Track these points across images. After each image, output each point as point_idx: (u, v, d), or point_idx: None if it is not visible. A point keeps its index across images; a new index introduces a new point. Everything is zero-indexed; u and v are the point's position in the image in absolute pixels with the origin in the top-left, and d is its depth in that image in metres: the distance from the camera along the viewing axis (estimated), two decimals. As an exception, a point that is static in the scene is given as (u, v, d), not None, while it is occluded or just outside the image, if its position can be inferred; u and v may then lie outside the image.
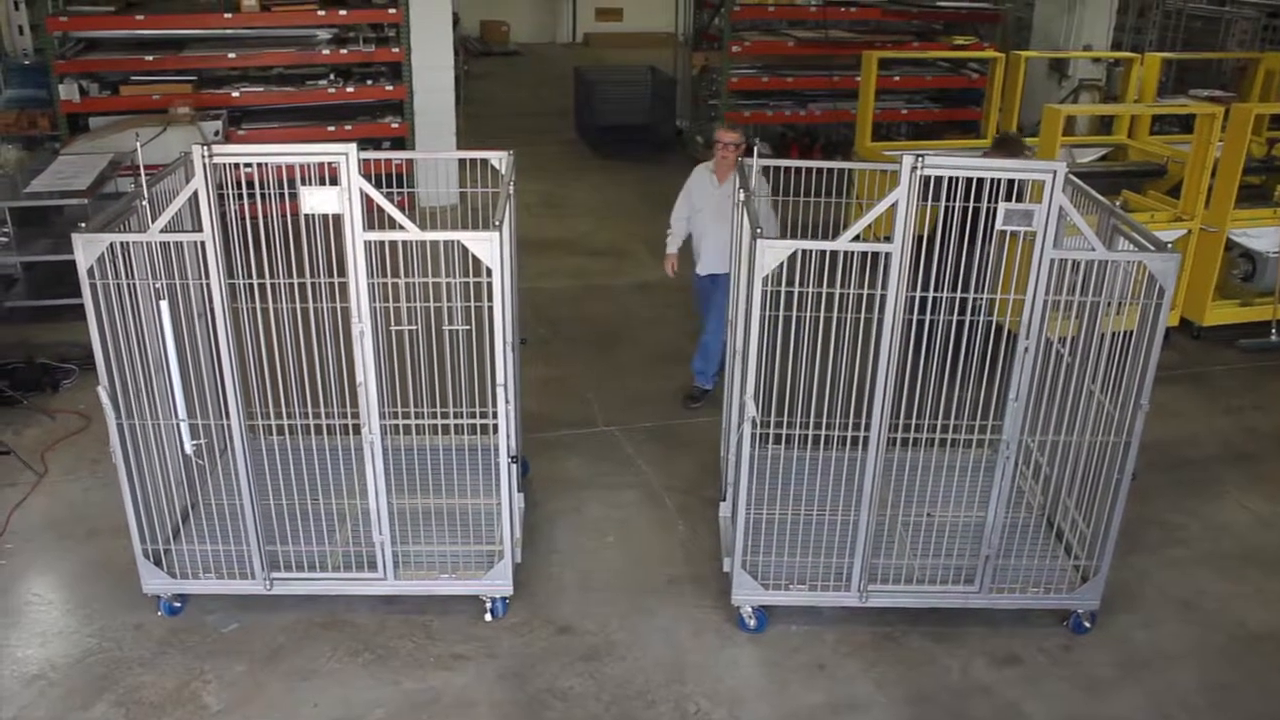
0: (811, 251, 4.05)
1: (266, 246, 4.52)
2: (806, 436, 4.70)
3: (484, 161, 4.90)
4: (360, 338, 4.02)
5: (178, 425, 4.43)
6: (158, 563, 4.39)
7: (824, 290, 4.22)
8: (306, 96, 9.63)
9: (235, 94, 9.47)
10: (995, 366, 4.52)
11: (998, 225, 3.90)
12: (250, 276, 4.38)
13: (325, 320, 4.54)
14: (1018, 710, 4.13)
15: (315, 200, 3.87)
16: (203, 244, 3.93)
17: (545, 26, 21.39)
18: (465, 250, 4.04)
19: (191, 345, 4.57)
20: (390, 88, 9.62)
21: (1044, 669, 4.33)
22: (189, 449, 4.47)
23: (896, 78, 11.19)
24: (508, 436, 4.25)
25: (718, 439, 5.58)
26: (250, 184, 4.50)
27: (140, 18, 9.10)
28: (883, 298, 3.96)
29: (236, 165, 4.10)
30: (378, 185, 3.90)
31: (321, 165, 3.97)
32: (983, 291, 4.34)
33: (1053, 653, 4.42)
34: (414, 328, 4.75)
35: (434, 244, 4.21)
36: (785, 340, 4.44)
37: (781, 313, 4.33)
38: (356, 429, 4.23)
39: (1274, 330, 7.41)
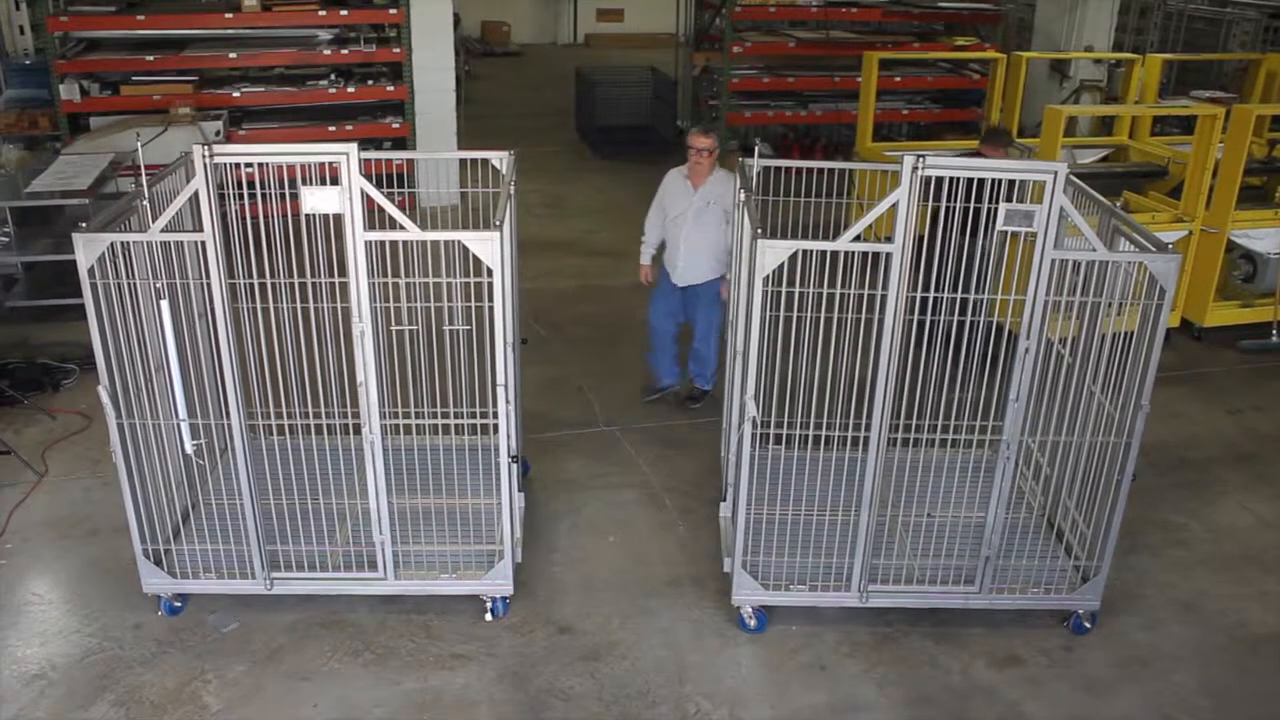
0: (812, 252, 4.05)
1: (267, 246, 4.52)
2: (807, 437, 4.70)
3: (485, 162, 4.90)
4: (361, 337, 4.02)
5: (178, 425, 4.43)
6: (158, 562, 4.39)
7: (825, 291, 4.21)
8: (307, 97, 9.63)
9: (236, 94, 9.48)
10: (996, 367, 4.52)
11: (998, 226, 3.90)
12: (251, 276, 4.38)
13: (326, 320, 4.54)
14: (1018, 711, 4.13)
15: (316, 200, 3.87)
16: (203, 244, 3.93)
17: (546, 27, 21.40)
18: (466, 250, 4.04)
19: (192, 345, 4.57)
20: (391, 88, 9.62)
21: (1044, 669, 4.33)
22: (189, 448, 4.47)
23: (897, 78, 11.19)
24: (508, 436, 4.25)
25: (718, 439, 5.58)
26: (251, 184, 4.50)
27: (141, 18, 9.10)
28: (883, 298, 3.96)
29: (237, 165, 4.10)
30: (378, 185, 3.90)
31: (322, 165, 3.97)
32: (983, 291, 4.34)
33: (1053, 653, 4.41)
34: (414, 328, 4.75)
35: (435, 244, 4.21)
36: (786, 341, 4.44)
37: (782, 313, 4.32)
38: (357, 429, 4.23)
39: (1275, 331, 7.41)
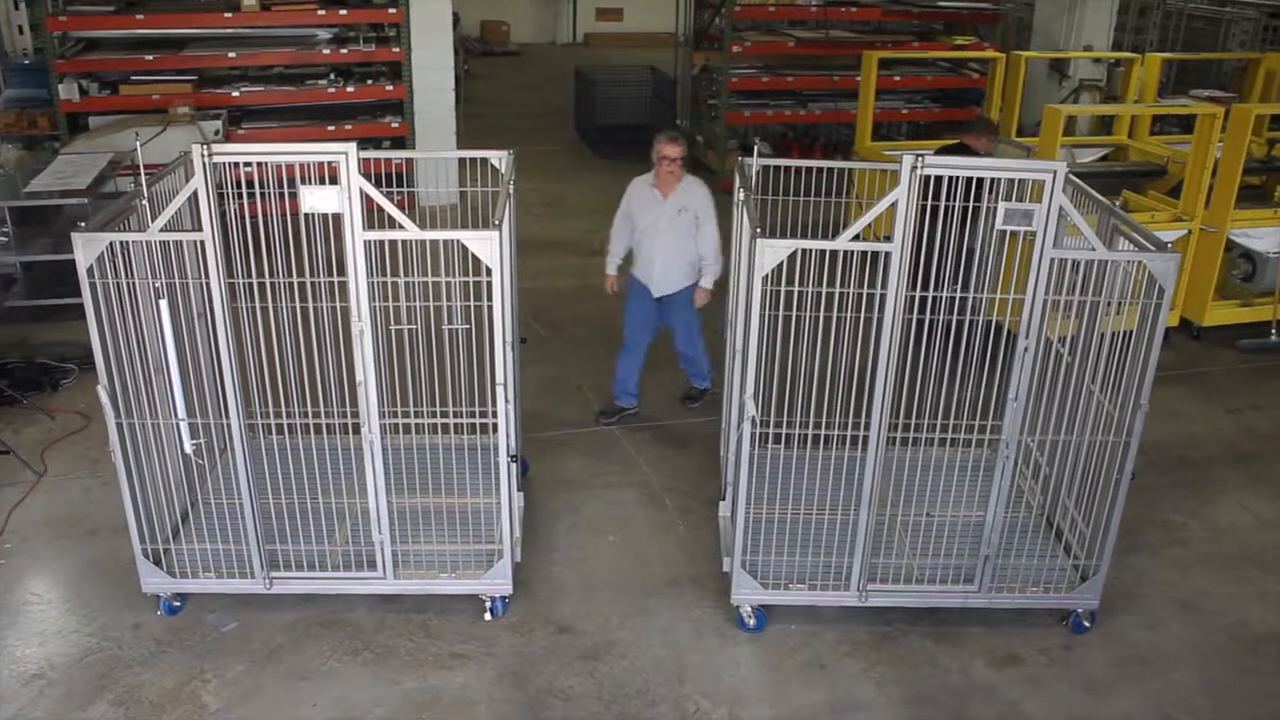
0: (811, 251, 4.05)
1: (266, 246, 4.52)
2: (806, 436, 4.70)
3: (484, 161, 4.90)
4: (360, 337, 4.02)
5: (177, 425, 4.43)
6: (157, 562, 4.39)
7: (824, 290, 4.21)
8: (306, 96, 9.63)
9: (235, 93, 9.47)
10: (995, 366, 4.52)
11: (997, 225, 3.90)
12: (250, 276, 4.38)
13: (325, 319, 4.54)
14: (1017, 710, 4.13)
15: (315, 199, 3.87)
16: (202, 243, 3.93)
17: (545, 26, 21.40)
18: (465, 249, 4.04)
19: (191, 344, 4.58)
20: (390, 87, 9.62)
21: (1043, 669, 4.33)
22: (188, 448, 4.47)
23: (897, 78, 11.18)
24: (507, 436, 4.25)
25: (717, 438, 5.58)
26: (250, 183, 4.50)
27: (140, 17, 9.09)
28: (882, 297, 3.96)
29: (236, 164, 4.10)
30: (378, 184, 3.90)
31: (321, 164, 3.97)
32: (982, 290, 4.34)
33: (1052, 652, 4.41)
34: (414, 327, 4.75)
35: (434, 243, 4.21)
36: (785, 340, 4.44)
37: (781, 312, 4.32)
38: (356, 428, 4.23)
39: (1274, 330, 7.41)
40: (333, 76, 9.79)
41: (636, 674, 4.26)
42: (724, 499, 5.03)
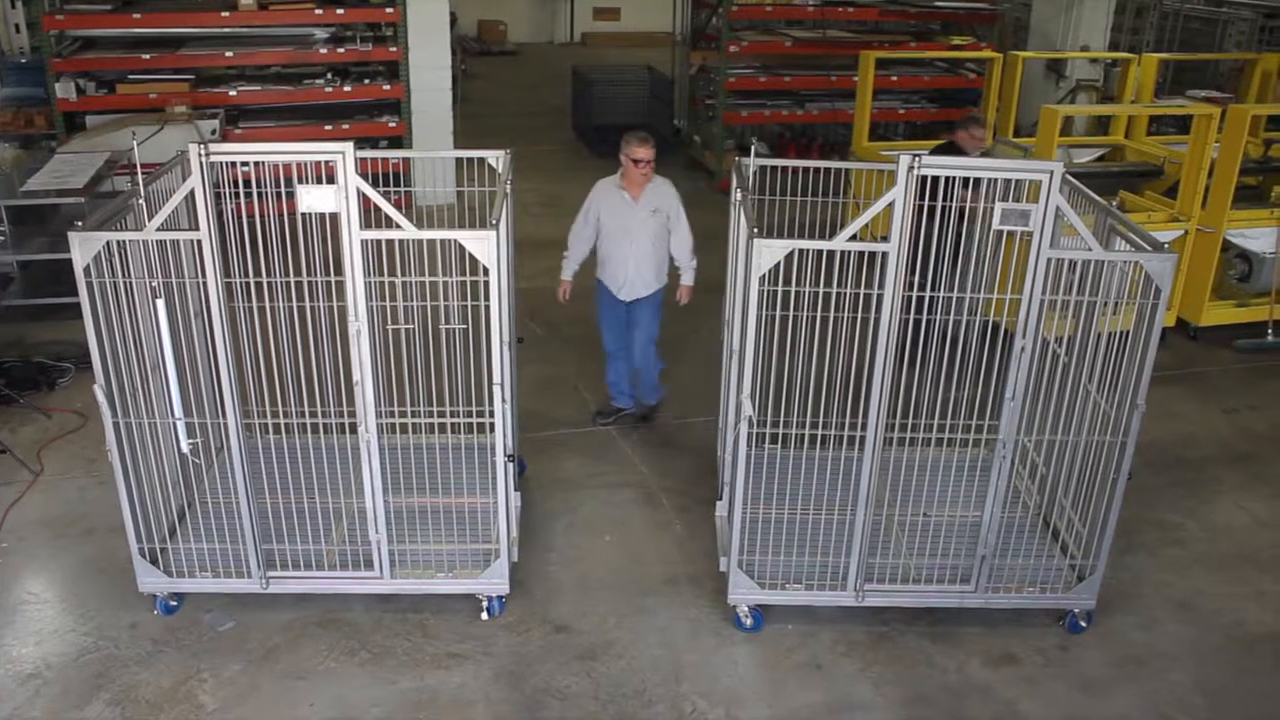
0: (808, 251, 4.05)
1: (263, 245, 4.52)
2: (803, 436, 4.70)
3: (481, 160, 4.90)
4: (357, 336, 4.02)
5: (174, 424, 4.43)
6: (154, 561, 4.39)
7: (821, 290, 4.22)
8: (304, 95, 9.62)
9: (232, 93, 9.46)
10: (991, 366, 4.52)
11: (994, 225, 3.90)
12: (247, 275, 4.37)
13: (322, 319, 4.54)
14: (1014, 710, 4.13)
15: (312, 199, 3.87)
16: (199, 242, 3.92)
17: (543, 26, 21.39)
18: (462, 249, 4.03)
19: (188, 344, 4.57)
20: (387, 87, 9.62)
21: (1040, 669, 4.33)
22: (185, 447, 4.46)
23: (894, 78, 11.19)
24: (504, 435, 4.25)
25: (714, 438, 5.58)
26: (247, 182, 4.49)
27: (137, 16, 9.08)
28: (879, 297, 3.96)
29: (233, 164, 4.09)
30: (375, 184, 3.90)
31: (318, 164, 3.96)
32: (978, 285, 4.34)
33: (1049, 652, 4.42)
34: (411, 326, 4.75)
35: (431, 243, 4.20)
36: (782, 340, 4.44)
37: (778, 312, 4.33)
38: (353, 428, 4.23)
39: (1270, 330, 7.42)
40: (330, 76, 9.78)
41: (633, 674, 4.26)
42: (721, 499, 5.03)
